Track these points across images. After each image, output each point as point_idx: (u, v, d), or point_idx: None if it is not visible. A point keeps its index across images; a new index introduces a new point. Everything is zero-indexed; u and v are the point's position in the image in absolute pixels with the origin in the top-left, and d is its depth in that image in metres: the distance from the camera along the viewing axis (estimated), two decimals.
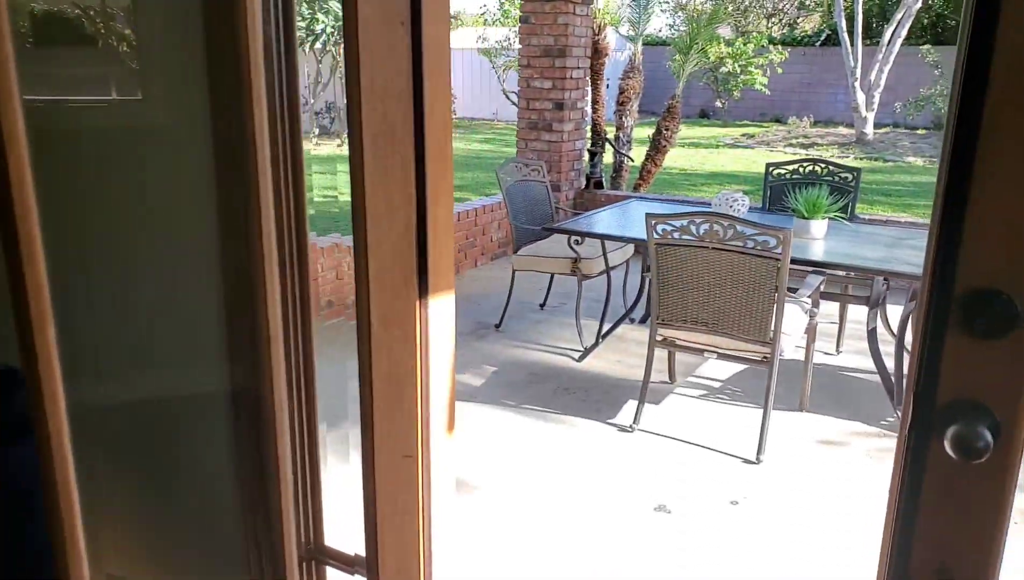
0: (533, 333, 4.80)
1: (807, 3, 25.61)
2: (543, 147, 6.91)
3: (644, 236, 3.93)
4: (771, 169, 5.05)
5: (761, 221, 4.29)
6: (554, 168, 6.90)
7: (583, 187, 7.28)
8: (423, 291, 1.52)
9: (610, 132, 8.58)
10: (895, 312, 4.40)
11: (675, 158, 12.59)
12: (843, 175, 4.87)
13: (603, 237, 4.16)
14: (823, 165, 4.94)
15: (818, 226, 3.87)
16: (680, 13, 27.53)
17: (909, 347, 4.22)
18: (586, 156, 7.33)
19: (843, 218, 4.13)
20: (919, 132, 16.65)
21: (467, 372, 4.17)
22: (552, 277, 5.10)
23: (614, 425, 3.60)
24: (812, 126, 18.31)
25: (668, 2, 28.52)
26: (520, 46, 6.85)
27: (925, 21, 16.06)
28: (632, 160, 8.18)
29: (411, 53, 1.41)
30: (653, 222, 3.25)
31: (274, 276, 1.34)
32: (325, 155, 13.18)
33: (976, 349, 1.06)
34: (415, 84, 1.42)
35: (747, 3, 25.64)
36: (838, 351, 4.51)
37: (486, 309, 5.21)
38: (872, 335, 3.69)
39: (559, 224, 4.32)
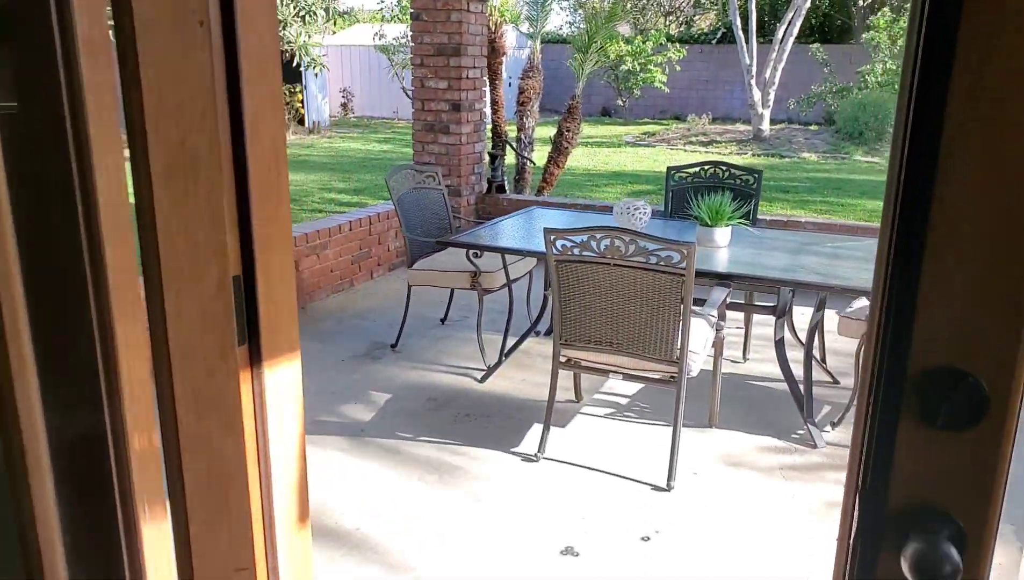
0: (433, 352, 4.50)
1: (703, 1, 26.23)
2: (441, 150, 6.60)
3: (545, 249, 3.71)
4: (672, 172, 4.92)
5: (664, 229, 4.14)
6: (453, 172, 6.60)
7: (484, 191, 7.02)
8: (255, 360, 1.20)
9: (512, 133, 8.36)
10: (802, 315, 4.33)
11: (578, 157, 12.52)
12: (744, 177, 4.78)
13: (503, 250, 3.90)
14: (724, 168, 4.84)
15: (722, 234, 3.73)
16: (580, 11, 27.75)
17: (817, 354, 4.17)
18: (486, 159, 7.06)
19: (746, 225, 4.02)
20: (812, 128, 17.23)
21: (358, 402, 3.83)
22: (452, 291, 4.81)
23: (518, 454, 3.34)
24: (711, 123, 18.69)
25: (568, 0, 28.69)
26: (413, 44, 6.52)
27: (813, 21, 16.58)
28: (534, 162, 7.98)
29: (225, 62, 1.09)
30: (552, 238, 3.01)
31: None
32: None
33: (936, 442, 0.83)
34: (231, 101, 1.10)
35: (645, 1, 26.04)
36: (745, 359, 4.41)
37: (382, 326, 4.87)
38: (780, 346, 3.58)
39: (456, 237, 4.04)
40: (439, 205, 4.75)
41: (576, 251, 2.96)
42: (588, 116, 22.06)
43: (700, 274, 3.11)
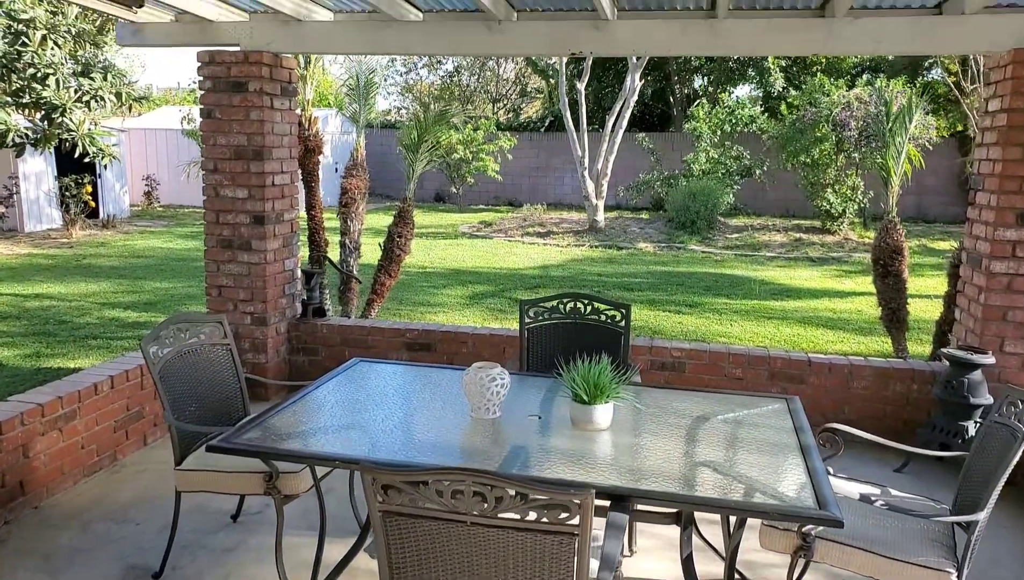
0: (216, 577, 3.22)
1: (529, 91, 26.72)
2: (241, 270, 5.38)
3: (372, 453, 2.62)
4: (527, 308, 4.04)
5: (526, 398, 3.20)
6: (257, 296, 5.39)
7: (299, 315, 5.83)
8: None
9: (334, 239, 7.26)
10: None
11: (413, 250, 11.60)
12: (610, 313, 3.99)
13: (312, 461, 2.77)
14: (585, 301, 4.04)
15: (603, 413, 2.84)
16: (408, 94, 27.44)
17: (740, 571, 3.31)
18: (300, 276, 5.91)
19: (629, 399, 3.14)
20: (643, 215, 17.47)
21: None
22: None
23: None
24: (546, 211, 18.53)
25: (395, 85, 28.36)
26: (203, 146, 5.33)
27: (635, 110, 16.98)
28: (360, 281, 6.91)
29: None
30: (379, 484, 1.94)
31: None
32: None
33: None
34: None
35: (472, 89, 26.12)
36: (632, 550, 3.50)
37: (148, 534, 3.52)
38: (688, 565, 2.69)
39: (238, 437, 2.82)
40: (224, 368, 3.54)
41: (415, 501, 1.92)
42: (421, 202, 21.36)
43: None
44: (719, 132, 17.06)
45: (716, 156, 16.75)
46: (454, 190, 21.11)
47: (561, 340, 4.03)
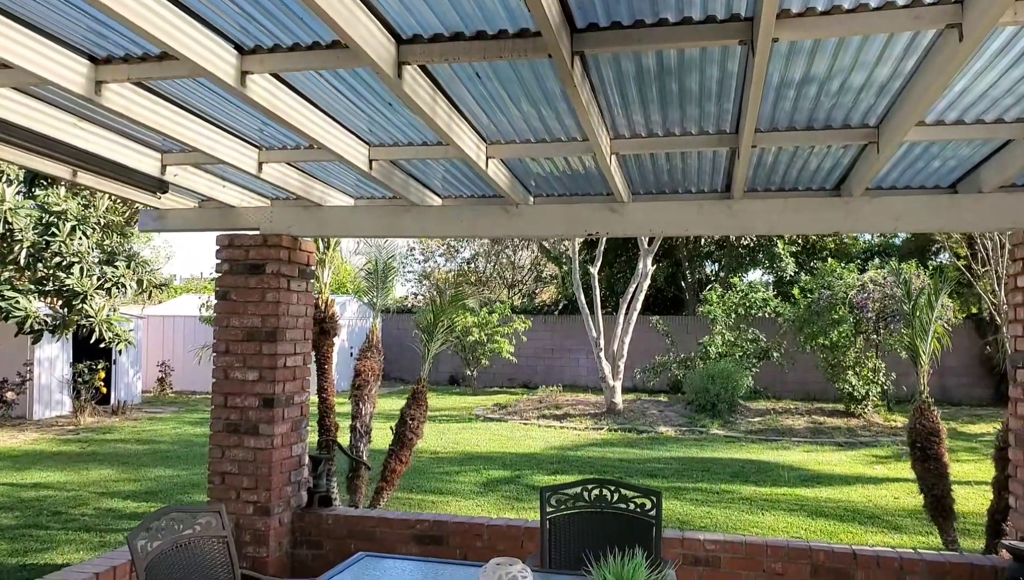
0: None
1: (544, 277, 27.40)
2: (246, 456, 5.13)
3: None
4: (548, 496, 3.75)
5: None
6: (261, 484, 5.10)
7: (304, 505, 5.49)
8: None
9: (344, 423, 7.04)
10: None
11: (426, 435, 11.27)
12: (639, 501, 3.69)
13: None
14: (612, 488, 3.75)
15: None
16: (425, 281, 28.17)
17: None
18: (307, 463, 5.64)
19: None
20: (661, 398, 17.17)
21: None
22: None
23: None
24: (562, 393, 18.29)
25: (413, 273, 29.21)
26: (216, 328, 5.28)
27: (648, 294, 17.20)
28: (369, 467, 6.61)
29: None
30: None
31: None
32: None
33: None
34: None
35: (488, 275, 26.83)
36: None
37: None
38: None
39: None
40: (219, 566, 3.22)
41: None
42: (436, 385, 21.22)
43: None
44: (733, 315, 17.16)
45: (732, 338, 16.73)
46: (469, 373, 21.02)
47: (586, 531, 3.70)
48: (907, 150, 3.61)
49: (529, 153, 4.01)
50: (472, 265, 27.89)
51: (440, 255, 29.27)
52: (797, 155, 3.84)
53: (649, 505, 3.65)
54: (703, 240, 22.28)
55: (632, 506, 3.66)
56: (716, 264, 22.98)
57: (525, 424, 14.53)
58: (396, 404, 13.59)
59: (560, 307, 23.43)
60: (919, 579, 4.33)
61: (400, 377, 21.97)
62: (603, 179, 4.43)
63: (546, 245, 21.27)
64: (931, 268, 16.93)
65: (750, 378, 15.61)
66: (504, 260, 28.01)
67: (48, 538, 6.66)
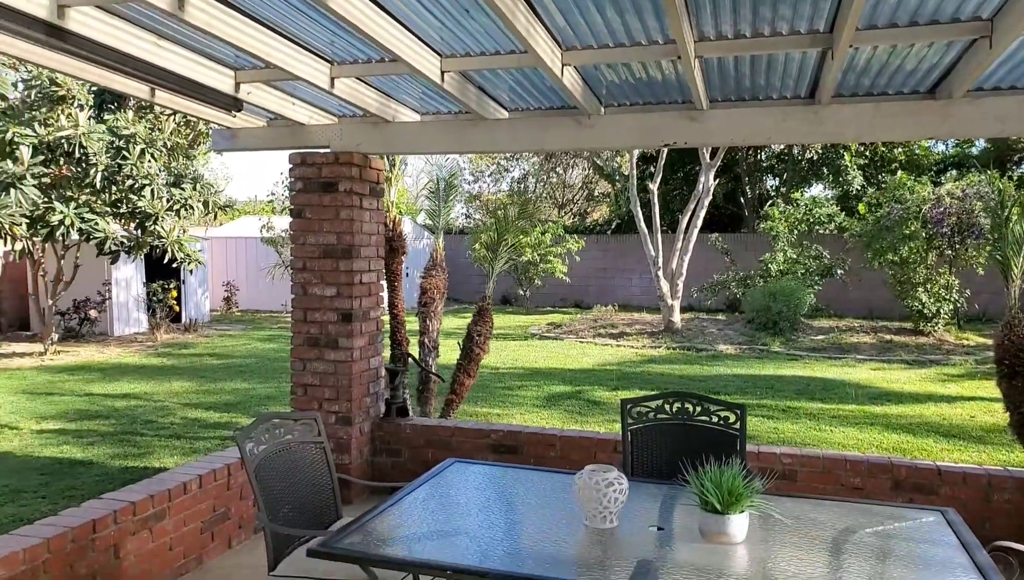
0: None
1: (595, 195, 27.07)
2: (327, 368, 5.31)
3: (482, 562, 2.38)
4: (629, 407, 3.79)
5: (645, 506, 2.92)
6: (342, 395, 5.28)
7: (382, 415, 5.69)
8: None
9: (412, 339, 7.19)
10: None
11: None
12: (722, 414, 3.71)
13: (412, 567, 2.53)
14: (694, 401, 3.76)
15: (739, 524, 2.54)
16: (475, 201, 28.13)
17: None
18: (384, 375, 5.80)
19: (771, 509, 2.81)
20: (720, 317, 17.05)
21: None
22: None
23: None
24: (617, 313, 18.31)
25: (463, 194, 29.16)
26: (293, 245, 5.39)
27: (707, 212, 16.84)
28: (443, 380, 6.76)
29: None
30: None
31: None
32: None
33: None
34: None
35: (538, 193, 26.61)
36: None
37: None
38: None
39: (339, 540, 2.62)
40: (318, 468, 3.38)
41: None
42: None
43: None
44: (795, 231, 16.74)
45: (794, 255, 16.38)
46: (521, 292, 21.17)
47: (668, 443, 3.74)
48: (1019, 45, 3.37)
49: (606, 59, 3.88)
50: (523, 185, 27.67)
51: (489, 176, 29.10)
52: (894, 55, 3.63)
53: (733, 418, 3.66)
54: (762, 153, 21.61)
55: (716, 419, 3.68)
56: (777, 179, 22.34)
57: (581, 342, 14.65)
58: (453, 323, 13.85)
59: (613, 227, 23.21)
60: (1008, 495, 4.29)
61: (453, 297, 22.23)
62: (681, 86, 4.29)
63: (598, 162, 20.89)
64: (1015, 178, 16.13)
65: (812, 296, 15.34)
66: (555, 179, 27.70)
67: (144, 444, 7.08)
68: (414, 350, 7.05)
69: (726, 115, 4.52)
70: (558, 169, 27.17)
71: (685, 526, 2.72)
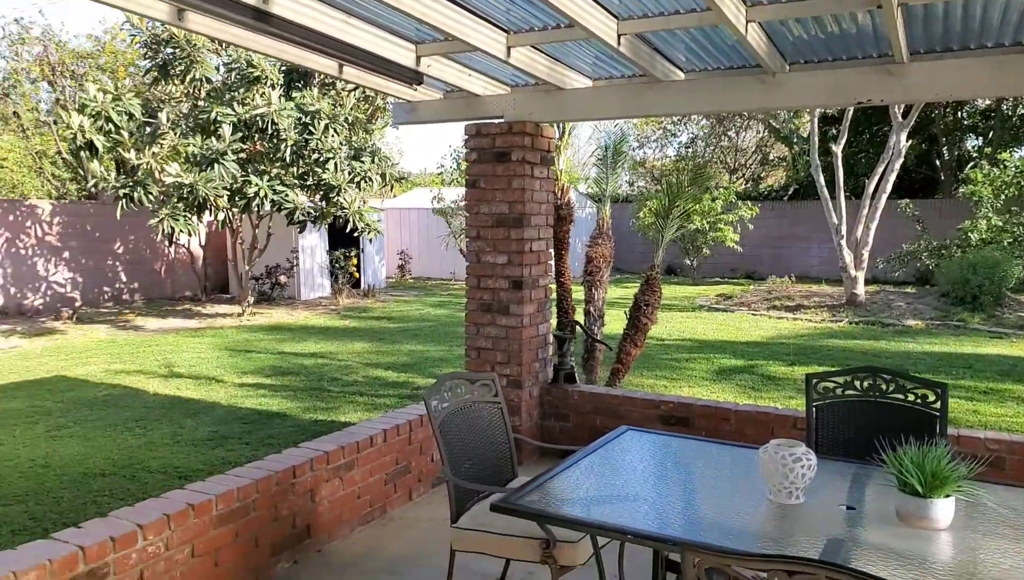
0: None
1: (770, 159, 25.72)
2: (499, 333, 5.46)
3: (662, 529, 2.37)
4: (815, 382, 3.59)
5: (821, 474, 2.77)
6: (513, 359, 5.42)
7: (550, 380, 5.78)
8: None
9: (577, 308, 7.23)
10: None
11: None
12: (919, 392, 3.42)
13: (596, 530, 2.56)
14: (887, 378, 3.50)
15: (944, 509, 2.35)
16: (640, 168, 27.62)
17: None
18: (552, 341, 5.88)
19: (977, 492, 2.58)
20: (908, 290, 15.76)
21: None
22: None
23: None
24: (793, 284, 17.38)
25: (627, 160, 28.71)
26: (467, 215, 5.55)
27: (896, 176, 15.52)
28: (611, 348, 6.74)
29: None
30: (703, 567, 1.69)
31: None
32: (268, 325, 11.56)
33: None
34: None
35: (708, 158, 25.66)
36: None
37: None
38: None
39: (519, 498, 2.70)
40: (496, 427, 3.50)
41: None
42: None
43: None
44: (1002, 196, 15.04)
45: (1000, 223, 14.74)
46: (688, 262, 20.63)
47: (856, 421, 3.52)
48: None
49: (795, 13, 3.65)
50: (691, 150, 26.79)
51: (655, 141, 28.42)
52: None
53: (932, 397, 3.37)
54: (963, 111, 19.54)
55: (912, 398, 3.41)
56: (980, 138, 20.13)
57: (754, 315, 14.08)
58: (615, 293, 13.76)
59: (789, 193, 21.96)
60: None
61: (615, 266, 22.08)
62: (877, 38, 3.95)
63: (774, 124, 19.76)
64: None
65: (1021, 267, 13.77)
66: (726, 142, 26.58)
67: (330, 399, 7.67)
68: (579, 318, 7.09)
69: (930, 68, 4.11)
70: (730, 132, 26.03)
71: (879, 508, 2.56)
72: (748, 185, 25.03)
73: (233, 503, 3.45)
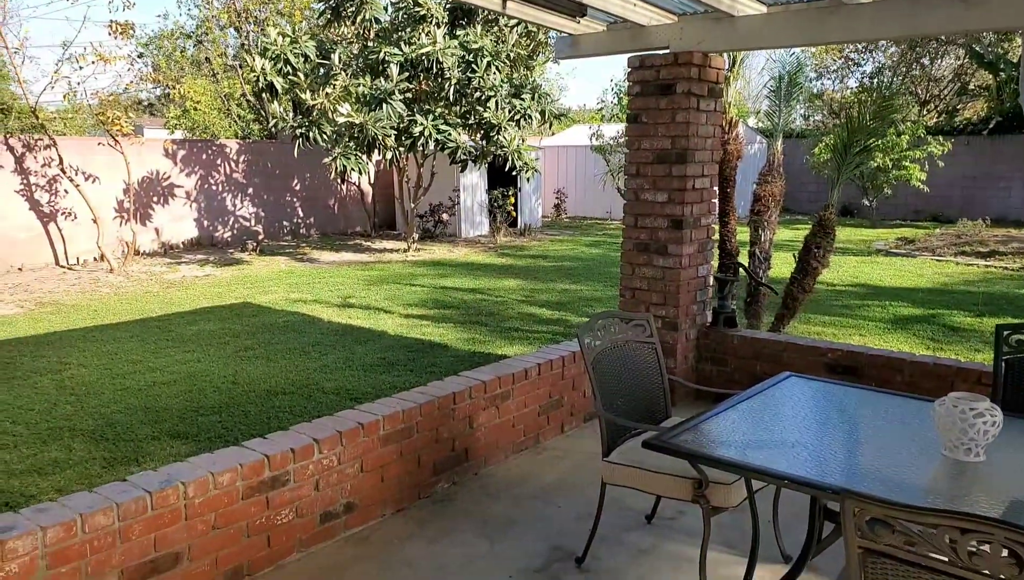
0: (632, 577, 3.16)
1: (970, 88, 23.10)
2: (655, 274, 5.37)
3: (821, 476, 2.28)
4: (1007, 335, 3.27)
5: (1006, 431, 2.55)
6: (670, 301, 5.33)
7: (709, 324, 5.64)
8: None
9: (742, 249, 6.95)
10: None
11: None
12: None
13: (751, 473, 2.51)
14: None
15: None
16: (817, 101, 25.71)
17: None
18: (712, 283, 5.71)
19: None
20: None
21: None
22: None
23: None
24: (988, 227, 15.72)
25: (802, 92, 26.80)
26: (627, 151, 5.44)
27: None
28: (776, 293, 6.46)
29: None
30: (864, 517, 1.62)
31: None
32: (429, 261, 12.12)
33: None
34: None
35: (894, 88, 23.45)
36: None
37: (568, 518, 3.63)
38: None
39: (673, 436, 2.69)
40: (649, 366, 3.48)
41: (914, 545, 1.55)
42: None
43: None
44: None
45: None
46: (866, 203, 19.15)
47: None
48: None
49: None
50: (876, 80, 24.53)
51: (835, 71, 26.28)
52: None
53: None
54: None
55: None
56: None
57: (938, 261, 12.93)
58: (783, 234, 13.05)
59: (991, 125, 19.67)
60: None
61: (784, 206, 20.91)
62: None
63: (977, 48, 17.63)
64: None
65: None
66: (917, 71, 24.10)
67: (487, 332, 7.94)
68: (744, 260, 6.83)
69: None
70: (923, 60, 23.56)
71: None
72: (941, 118, 22.67)
73: (398, 424, 3.68)
